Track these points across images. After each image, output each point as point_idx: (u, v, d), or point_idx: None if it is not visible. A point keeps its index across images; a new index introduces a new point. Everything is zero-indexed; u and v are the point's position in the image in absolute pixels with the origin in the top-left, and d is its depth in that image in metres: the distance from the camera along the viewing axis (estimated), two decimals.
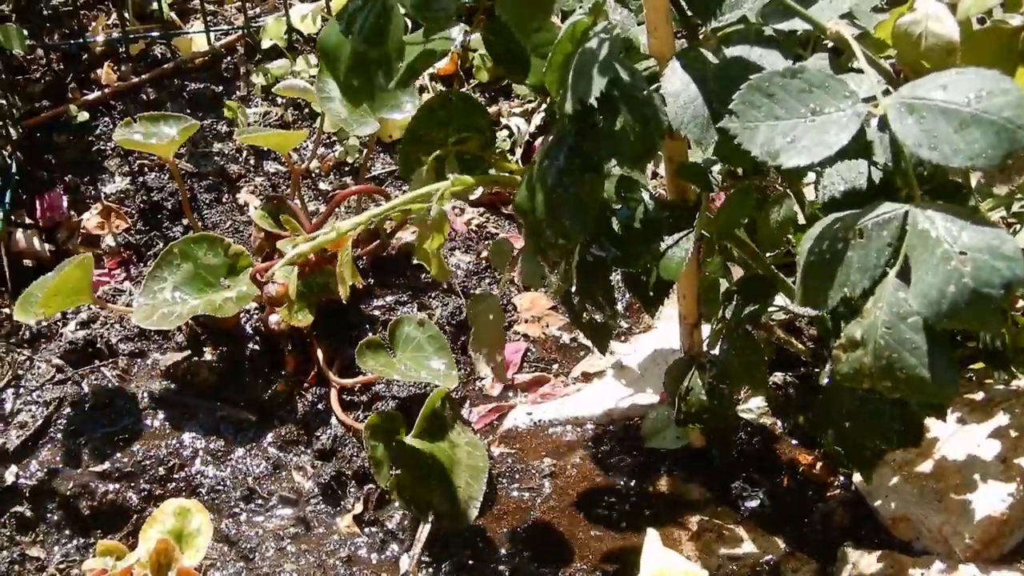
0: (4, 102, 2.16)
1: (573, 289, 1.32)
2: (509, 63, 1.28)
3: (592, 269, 1.27)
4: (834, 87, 1.01)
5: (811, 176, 1.24)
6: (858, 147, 1.03)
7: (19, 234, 2.04)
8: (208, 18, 2.38)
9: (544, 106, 2.19)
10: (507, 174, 1.39)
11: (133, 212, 2.12)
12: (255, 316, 1.90)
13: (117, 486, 1.67)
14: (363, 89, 1.22)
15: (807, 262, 1.02)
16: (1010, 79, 0.91)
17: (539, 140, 2.19)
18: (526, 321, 1.94)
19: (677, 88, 1.12)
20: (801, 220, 1.32)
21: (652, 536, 1.17)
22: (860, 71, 1.05)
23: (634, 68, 1.11)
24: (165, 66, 2.34)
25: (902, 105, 0.96)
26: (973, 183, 1.35)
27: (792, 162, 0.99)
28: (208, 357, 1.85)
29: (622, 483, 1.65)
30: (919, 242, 0.94)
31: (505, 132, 2.22)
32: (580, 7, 1.18)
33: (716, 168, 1.34)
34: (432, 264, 1.32)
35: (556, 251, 1.17)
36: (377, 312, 1.93)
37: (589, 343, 1.89)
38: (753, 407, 1.70)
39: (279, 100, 2.30)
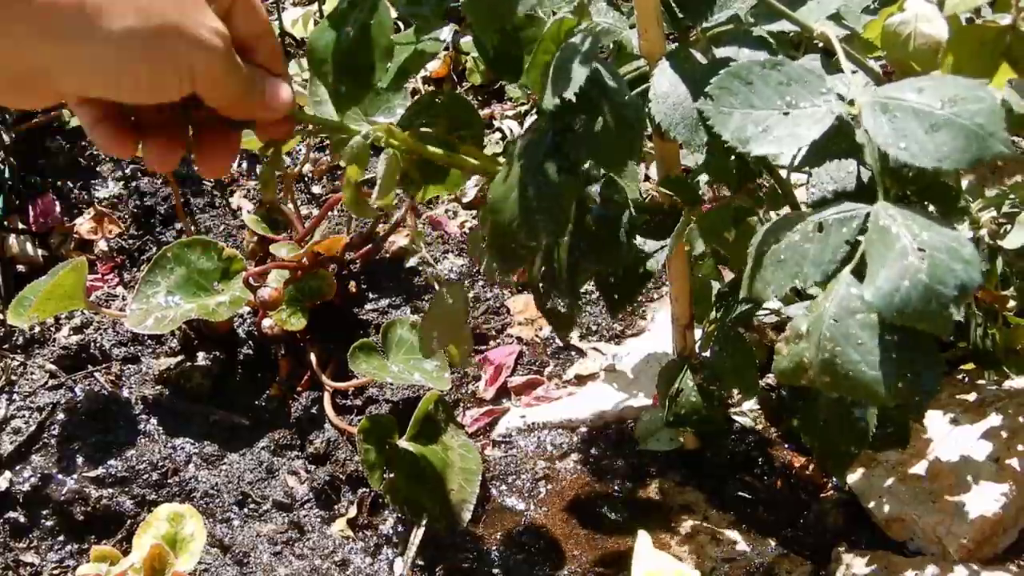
0: None
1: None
2: (499, 63, 1.28)
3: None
4: (812, 83, 1.01)
5: (802, 177, 1.24)
6: (847, 147, 1.03)
7: (12, 239, 2.04)
8: None
9: (535, 108, 2.19)
10: (488, 164, 1.37)
11: (126, 217, 2.12)
12: (248, 320, 1.90)
13: (111, 491, 1.67)
14: (351, 94, 1.21)
15: (757, 251, 1.02)
16: (987, 88, 0.91)
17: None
18: (519, 324, 1.94)
19: (666, 89, 1.12)
20: None
21: (643, 538, 1.16)
22: (852, 71, 1.05)
23: (615, 70, 1.11)
24: None
25: (876, 104, 0.97)
26: (964, 184, 1.35)
27: (761, 150, 0.99)
28: (201, 362, 1.85)
29: (615, 486, 1.65)
30: (879, 238, 0.94)
31: (498, 135, 2.22)
32: (565, 6, 1.18)
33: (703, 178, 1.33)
34: (346, 194, 1.29)
35: (525, 251, 1.16)
36: (370, 316, 1.93)
37: (580, 344, 1.89)
38: (746, 409, 1.70)
39: None
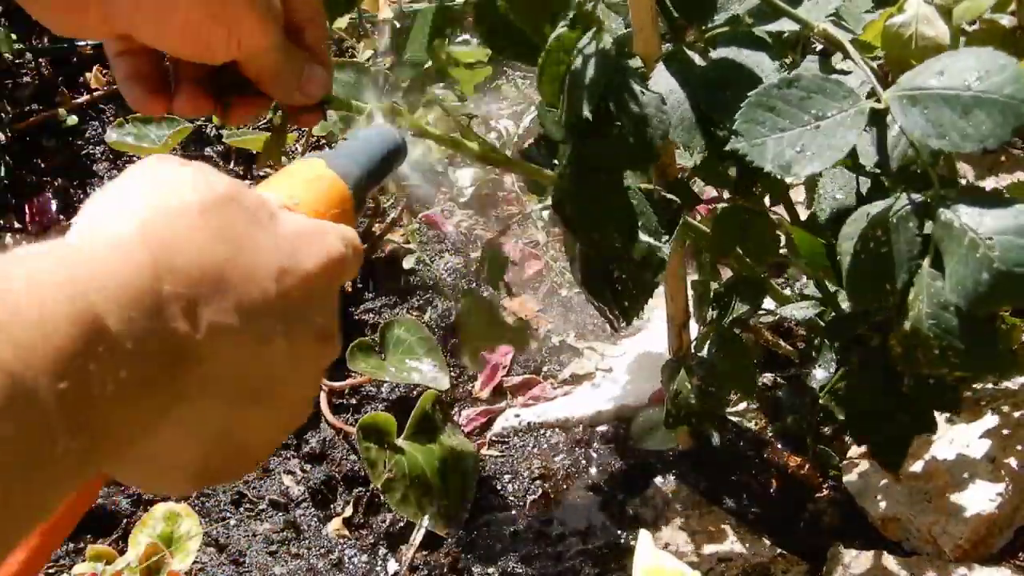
0: None
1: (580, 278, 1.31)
2: (495, 39, 1.27)
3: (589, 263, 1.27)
4: (832, 89, 1.00)
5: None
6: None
7: (7, 238, 2.04)
8: None
9: (533, 108, 2.19)
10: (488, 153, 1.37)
11: None
12: None
13: (107, 491, 1.67)
14: None
15: (851, 265, 1.02)
16: (1005, 54, 0.90)
17: (529, 141, 2.19)
18: None
19: (663, 91, 1.12)
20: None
21: (644, 537, 1.17)
22: (848, 72, 1.05)
23: (633, 69, 1.11)
24: None
25: (904, 97, 0.96)
26: (963, 183, 1.35)
27: (807, 171, 0.98)
28: None
29: (612, 485, 1.65)
30: (945, 233, 0.94)
31: (494, 135, 2.22)
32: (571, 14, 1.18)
33: None
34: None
35: (594, 249, 1.18)
36: (366, 316, 1.93)
37: (576, 344, 1.89)
38: (742, 409, 1.70)
39: None
